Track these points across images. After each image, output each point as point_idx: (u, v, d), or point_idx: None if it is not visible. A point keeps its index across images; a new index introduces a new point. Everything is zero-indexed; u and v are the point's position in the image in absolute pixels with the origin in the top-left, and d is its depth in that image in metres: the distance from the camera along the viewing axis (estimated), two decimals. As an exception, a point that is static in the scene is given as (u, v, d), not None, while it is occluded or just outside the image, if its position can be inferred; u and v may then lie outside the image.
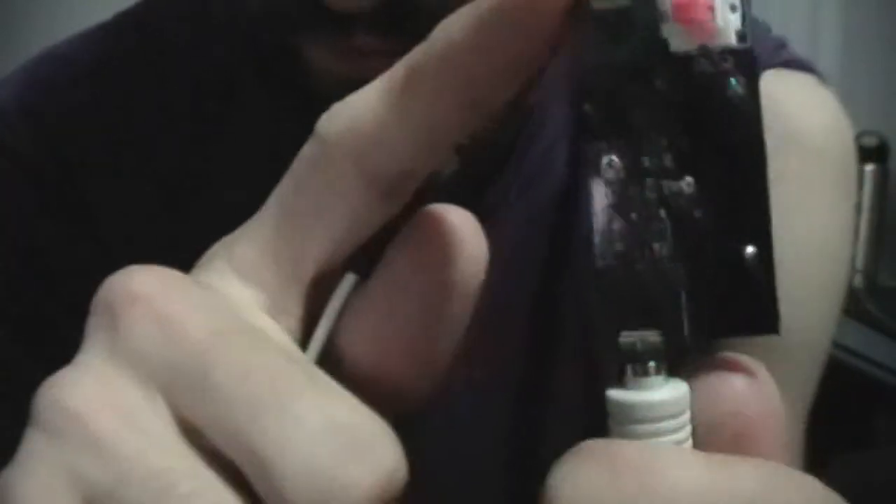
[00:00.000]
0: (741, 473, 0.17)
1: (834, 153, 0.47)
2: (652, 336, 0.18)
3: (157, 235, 0.40)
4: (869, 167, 1.71)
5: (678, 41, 0.17)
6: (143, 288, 0.18)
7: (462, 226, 0.18)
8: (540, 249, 0.46)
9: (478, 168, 0.40)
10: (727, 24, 0.18)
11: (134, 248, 0.41)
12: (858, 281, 1.65)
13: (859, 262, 1.68)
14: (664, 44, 0.17)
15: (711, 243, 0.18)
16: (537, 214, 0.46)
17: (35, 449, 0.18)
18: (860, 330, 1.46)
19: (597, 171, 0.17)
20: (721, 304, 0.18)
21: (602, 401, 0.18)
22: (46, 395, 0.18)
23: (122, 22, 0.46)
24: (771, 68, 0.46)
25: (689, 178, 0.18)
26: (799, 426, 0.48)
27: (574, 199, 0.46)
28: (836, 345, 1.39)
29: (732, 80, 0.18)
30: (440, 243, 0.18)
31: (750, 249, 0.18)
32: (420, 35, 0.18)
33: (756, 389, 0.18)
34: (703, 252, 0.18)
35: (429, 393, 0.19)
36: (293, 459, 0.16)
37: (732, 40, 0.18)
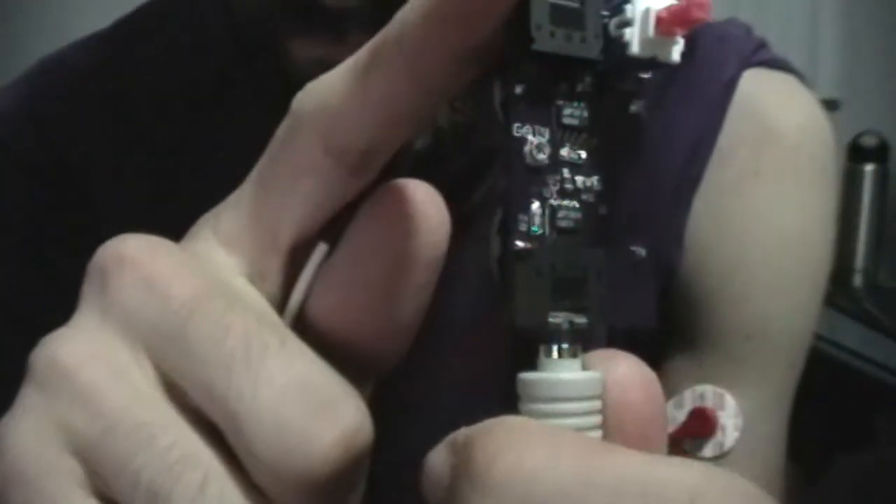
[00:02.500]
0: (631, 463, 0.16)
1: (811, 150, 0.48)
2: (579, 318, 0.18)
3: (156, 233, 0.40)
4: (869, 167, 1.71)
5: (644, 48, 0.18)
6: (131, 251, 0.20)
7: (423, 199, 0.19)
8: None
9: (452, 144, 0.40)
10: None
11: None
12: (858, 281, 1.65)
13: (859, 262, 1.68)
14: (621, 47, 0.18)
15: (611, 239, 0.19)
16: None
17: (28, 401, 0.19)
18: (860, 330, 1.46)
19: (520, 154, 0.18)
20: (615, 294, 0.19)
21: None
22: (41, 352, 0.19)
23: (118, 29, 0.47)
24: (750, 68, 0.47)
25: (597, 176, 0.19)
26: (782, 416, 0.49)
27: None
28: (836, 345, 1.39)
29: (640, 102, 0.19)
30: (401, 215, 0.18)
31: (639, 250, 0.19)
32: None
33: (649, 379, 0.19)
34: (605, 245, 0.19)
35: (396, 358, 0.20)
36: (261, 415, 0.17)
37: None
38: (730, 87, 0.47)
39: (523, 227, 0.18)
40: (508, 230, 0.18)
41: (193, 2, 0.45)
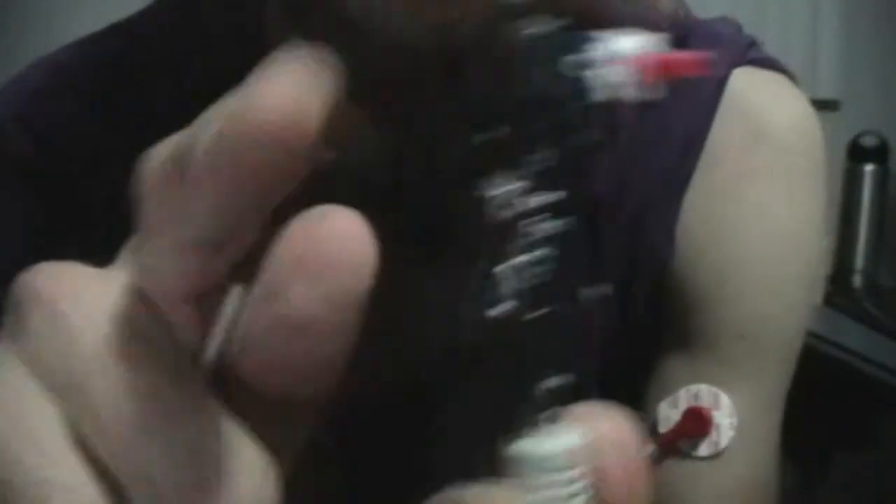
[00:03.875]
0: None
1: (802, 149, 0.48)
2: (558, 381, 0.17)
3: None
4: (869, 167, 1.71)
5: (608, 92, 0.17)
6: (42, 284, 0.18)
7: (345, 231, 0.16)
8: None
9: (396, 154, 0.39)
10: None
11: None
12: (858, 281, 1.65)
13: (859, 262, 1.68)
14: (582, 90, 0.17)
15: (566, 286, 0.17)
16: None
17: None
18: (860, 330, 1.46)
19: (485, 213, 0.17)
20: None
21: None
22: None
23: (112, 31, 0.47)
24: (740, 66, 0.47)
25: (560, 221, 0.17)
26: (775, 415, 0.49)
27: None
28: (837, 345, 1.39)
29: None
30: (317, 252, 0.16)
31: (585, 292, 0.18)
32: None
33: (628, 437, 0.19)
34: (562, 294, 0.17)
35: (323, 398, 0.19)
36: (157, 487, 0.17)
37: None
38: (720, 86, 0.47)
39: (500, 292, 0.17)
40: (490, 301, 0.17)
41: (189, 6, 0.46)
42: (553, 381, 0.17)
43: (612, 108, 0.17)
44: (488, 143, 0.17)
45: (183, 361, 0.18)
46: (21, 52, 0.52)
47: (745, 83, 0.47)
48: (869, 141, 1.73)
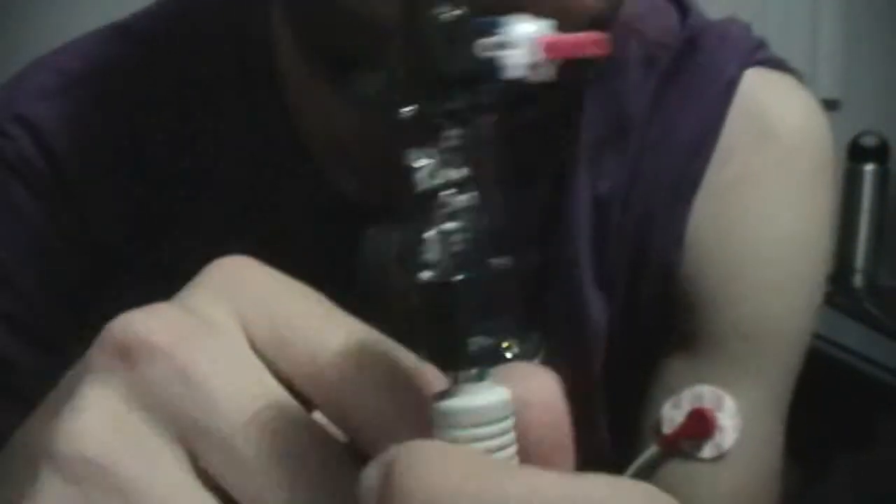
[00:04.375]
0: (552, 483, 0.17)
1: (810, 151, 0.48)
2: (483, 341, 0.18)
3: (150, 237, 0.40)
4: (869, 167, 1.71)
5: (518, 71, 0.19)
6: (161, 339, 0.19)
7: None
8: None
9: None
10: None
11: (128, 248, 0.42)
12: (858, 281, 1.65)
13: (859, 262, 1.68)
14: (494, 69, 0.18)
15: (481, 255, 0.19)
16: None
17: (54, 494, 0.18)
18: (860, 330, 1.46)
19: (413, 181, 0.18)
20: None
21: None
22: (64, 440, 0.18)
23: (113, 33, 0.46)
24: (749, 67, 0.47)
25: (478, 192, 0.19)
26: (779, 416, 0.49)
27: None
28: (836, 345, 1.39)
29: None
30: None
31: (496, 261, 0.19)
32: None
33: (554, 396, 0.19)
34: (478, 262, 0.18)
35: None
36: None
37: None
38: (731, 87, 0.47)
39: (430, 257, 0.18)
40: (418, 264, 0.18)
41: (188, 7, 0.46)
42: (479, 342, 0.18)
43: (522, 86, 0.18)
44: (412, 117, 0.18)
45: (318, 427, 0.19)
46: (21, 51, 0.52)
47: (756, 84, 0.47)
48: (869, 141, 1.73)
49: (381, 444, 0.18)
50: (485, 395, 0.18)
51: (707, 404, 0.47)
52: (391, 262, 0.18)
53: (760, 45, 0.49)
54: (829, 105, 1.97)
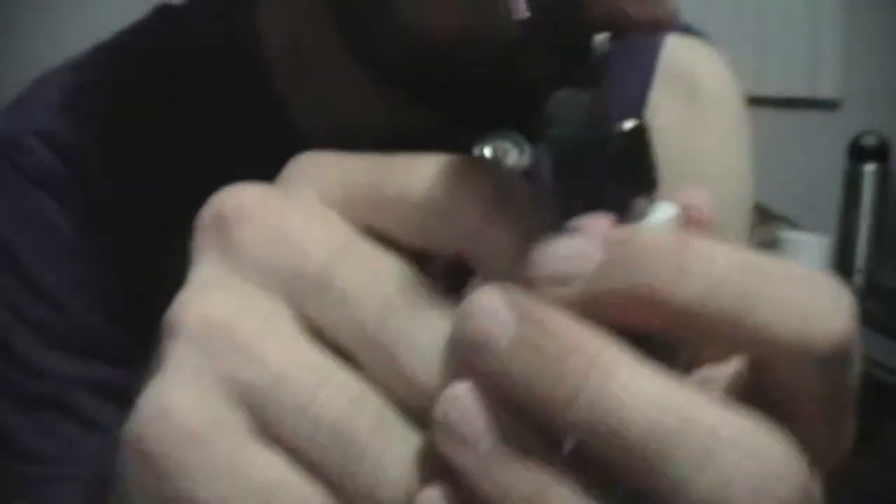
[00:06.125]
0: None
1: (731, 101, 0.54)
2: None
3: (166, 241, 0.41)
4: (869, 167, 1.71)
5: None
6: (254, 204, 0.20)
7: None
8: None
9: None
10: None
11: (147, 252, 0.42)
12: (858, 281, 1.65)
13: (859, 262, 1.68)
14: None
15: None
16: None
17: (184, 361, 0.19)
18: (860, 330, 1.46)
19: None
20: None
21: None
22: (187, 310, 0.20)
23: (100, 51, 0.47)
24: (670, 34, 0.52)
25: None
26: None
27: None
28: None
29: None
30: None
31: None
32: None
33: None
34: None
35: None
36: (419, 358, 0.19)
37: None
38: (656, 51, 0.51)
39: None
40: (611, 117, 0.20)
41: (188, 18, 0.46)
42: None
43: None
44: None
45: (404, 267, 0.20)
46: (21, 51, 0.52)
47: (678, 50, 0.52)
48: (869, 141, 1.73)
49: (496, 256, 0.19)
50: (666, 209, 0.21)
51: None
52: (585, 116, 0.20)
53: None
54: (829, 105, 1.97)
